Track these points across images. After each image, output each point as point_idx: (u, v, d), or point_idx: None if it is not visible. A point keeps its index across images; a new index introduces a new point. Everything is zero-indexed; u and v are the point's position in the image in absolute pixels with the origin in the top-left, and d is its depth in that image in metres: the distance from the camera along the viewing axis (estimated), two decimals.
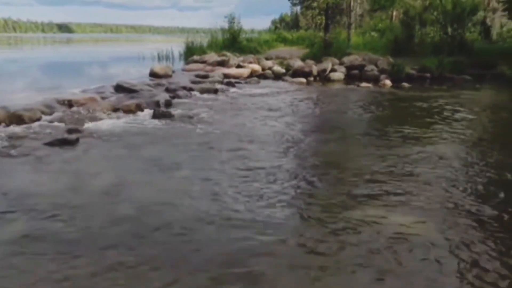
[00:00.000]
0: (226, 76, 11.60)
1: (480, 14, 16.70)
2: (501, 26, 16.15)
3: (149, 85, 9.18)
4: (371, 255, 2.79)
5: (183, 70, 12.65)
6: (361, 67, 12.93)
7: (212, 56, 13.92)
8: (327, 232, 3.10)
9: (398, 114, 8.10)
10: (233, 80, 11.08)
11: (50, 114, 6.35)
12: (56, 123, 5.98)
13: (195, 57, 14.28)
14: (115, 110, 6.96)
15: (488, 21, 15.93)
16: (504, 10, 13.90)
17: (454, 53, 13.52)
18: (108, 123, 6.28)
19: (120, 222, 3.16)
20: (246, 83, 11.27)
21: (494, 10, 15.51)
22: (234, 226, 3.14)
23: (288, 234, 3.07)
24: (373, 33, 19.15)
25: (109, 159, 4.68)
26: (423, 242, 2.95)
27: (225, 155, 4.87)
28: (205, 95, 9.02)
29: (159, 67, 11.54)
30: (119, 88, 8.43)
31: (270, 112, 7.48)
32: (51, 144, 5.05)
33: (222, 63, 13.06)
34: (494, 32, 15.79)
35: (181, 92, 8.70)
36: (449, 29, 14.60)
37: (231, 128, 6.20)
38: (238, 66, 12.82)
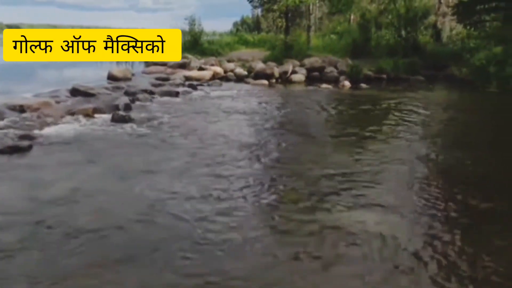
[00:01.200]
0: (187, 78, 11.47)
1: (432, 18, 17.55)
2: (451, 30, 17.01)
3: (107, 88, 8.91)
4: (335, 248, 2.84)
5: (143, 72, 12.39)
6: (321, 69, 13.20)
7: None
8: (292, 229, 3.13)
9: (357, 114, 8.31)
10: (195, 83, 10.97)
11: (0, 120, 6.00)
12: (6, 130, 5.64)
13: None
14: (71, 114, 6.70)
15: (439, 24, 16.74)
16: (453, 14, 14.67)
17: (408, 55, 14.12)
18: (63, 128, 6.02)
19: (76, 234, 3.03)
20: (208, 85, 11.19)
21: (444, 14, 16.31)
22: (199, 228, 3.10)
23: (256, 231, 3.08)
24: (332, 36, 19.57)
25: (64, 167, 4.48)
26: (379, 236, 3.05)
27: (187, 159, 4.80)
28: (166, 98, 8.86)
29: (117, 70, 11.23)
30: (75, 92, 8.12)
31: (232, 114, 7.46)
32: (0, 152, 4.77)
33: (183, 66, 12.91)
34: (445, 35, 16.62)
35: (141, 95, 8.50)
36: (403, 32, 15.24)
37: (193, 131, 6.13)
38: (200, 69, 12.72)
